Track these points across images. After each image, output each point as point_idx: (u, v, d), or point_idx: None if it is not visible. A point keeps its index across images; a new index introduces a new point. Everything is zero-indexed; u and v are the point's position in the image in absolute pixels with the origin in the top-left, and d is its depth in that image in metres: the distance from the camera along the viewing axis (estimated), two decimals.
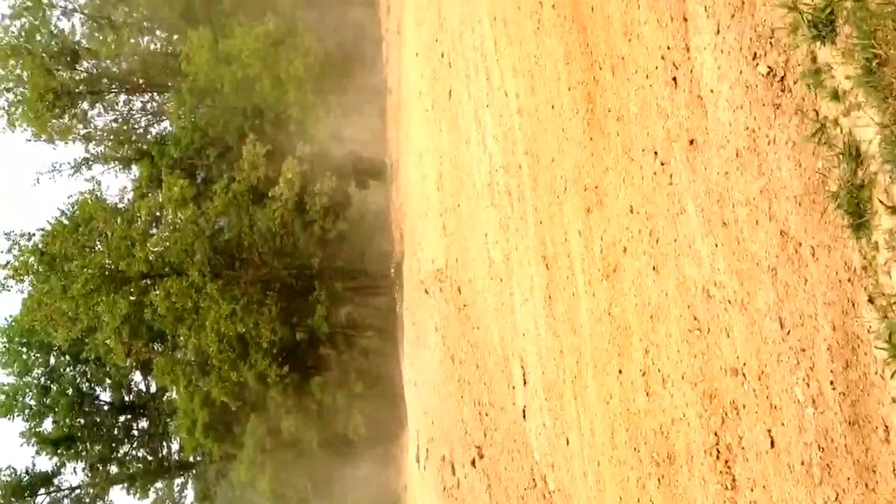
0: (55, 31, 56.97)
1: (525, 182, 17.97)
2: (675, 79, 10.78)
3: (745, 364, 9.31)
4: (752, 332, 9.10)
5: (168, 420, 60.46)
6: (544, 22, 16.37)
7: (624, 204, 12.59)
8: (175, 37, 58.90)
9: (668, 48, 10.93)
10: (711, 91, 9.83)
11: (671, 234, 11.03)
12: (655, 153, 11.40)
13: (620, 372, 12.90)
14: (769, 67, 8.65)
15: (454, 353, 26.38)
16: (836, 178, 7.54)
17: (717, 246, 9.82)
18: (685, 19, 10.47)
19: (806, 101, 8.04)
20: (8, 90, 55.28)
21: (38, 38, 55.83)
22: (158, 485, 62.15)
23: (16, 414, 56.87)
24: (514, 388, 19.53)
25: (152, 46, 61.30)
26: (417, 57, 33.84)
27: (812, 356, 8.06)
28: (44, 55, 54.63)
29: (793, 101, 8.27)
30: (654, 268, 11.61)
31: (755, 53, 8.88)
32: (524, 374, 18.55)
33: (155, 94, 61.54)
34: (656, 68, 11.30)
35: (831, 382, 7.78)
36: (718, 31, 9.60)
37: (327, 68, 48.31)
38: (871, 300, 7.26)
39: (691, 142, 10.36)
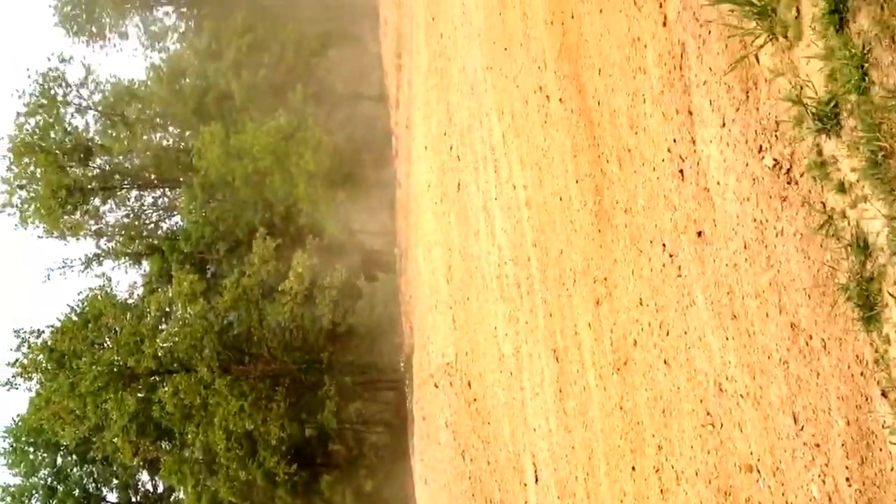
0: (69, 128, 57.90)
1: (534, 274, 17.94)
2: (681, 171, 10.81)
3: (759, 460, 9.11)
4: (766, 428, 8.93)
5: None
6: (551, 115, 16.54)
7: (633, 296, 12.52)
8: (187, 132, 59.82)
9: (675, 141, 10.99)
10: (718, 183, 9.84)
11: (681, 326, 10.93)
12: (664, 245, 11.37)
13: (633, 469, 12.65)
14: (775, 160, 8.66)
15: (465, 448, 26.01)
16: (845, 271, 7.47)
17: (727, 339, 9.70)
18: (690, 113, 10.54)
19: (812, 194, 8.02)
20: (21, 187, 55.97)
21: (53, 134, 56.73)
22: None
23: None
24: (525, 485, 19.17)
25: (165, 142, 62.23)
26: (426, 150, 34.20)
27: (827, 452, 7.88)
28: (57, 152, 55.45)
29: (799, 193, 8.25)
30: (665, 361, 11.47)
31: (761, 146, 8.90)
32: (536, 471, 18.23)
33: (166, 189, 62.23)
34: (663, 161, 11.34)
35: (847, 479, 7.58)
36: (724, 125, 9.66)
37: (337, 162, 48.83)
38: (884, 394, 7.12)
39: (699, 234, 10.34)
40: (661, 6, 11.33)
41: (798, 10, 8.00)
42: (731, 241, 9.54)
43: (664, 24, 11.24)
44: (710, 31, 10.00)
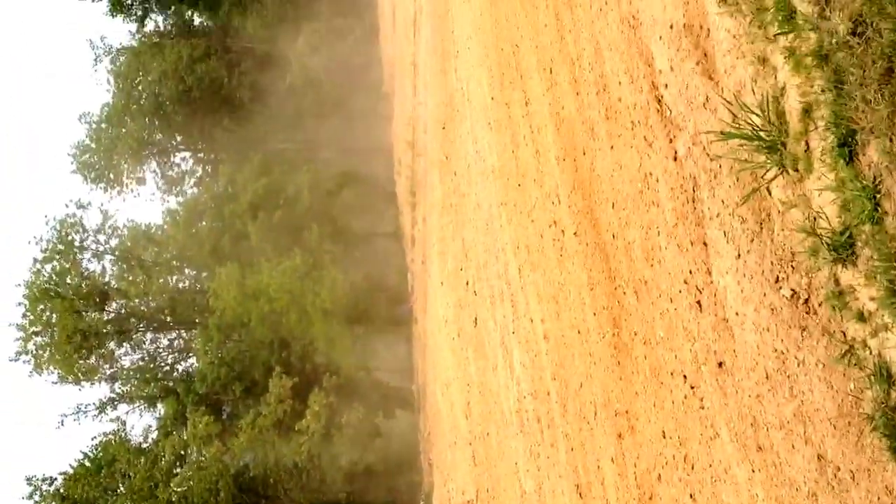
0: (85, 273, 58.55)
1: (554, 408, 17.79)
2: (699, 302, 10.86)
3: None
4: None
5: None
6: (566, 249, 16.72)
7: (656, 429, 12.39)
8: (203, 274, 60.42)
9: (691, 272, 11.08)
10: (737, 314, 9.87)
11: (706, 459, 10.78)
12: (685, 377, 11.33)
13: None
14: (793, 290, 8.71)
15: None
16: (869, 400, 7.42)
17: (754, 471, 9.56)
18: (705, 244, 10.67)
19: (832, 323, 8.04)
20: (36, 334, 56.23)
21: (69, 280, 57.34)
22: None
23: None
24: None
25: (181, 284, 62.79)
26: (442, 286, 34.39)
27: None
28: (73, 297, 55.92)
29: (819, 322, 8.27)
30: (691, 495, 11.27)
31: (777, 277, 8.97)
32: None
33: (182, 331, 62.45)
34: (680, 292, 11.41)
35: None
36: (739, 256, 9.76)
37: (353, 300, 49.13)
38: None
39: (720, 364, 10.31)
40: (671, 142, 11.60)
41: (807, 144, 8.18)
42: (753, 372, 9.51)
43: (675, 159, 11.49)
44: (720, 165, 10.21)
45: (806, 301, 8.52)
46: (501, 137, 22.45)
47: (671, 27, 11.36)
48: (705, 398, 10.74)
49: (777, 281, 9.00)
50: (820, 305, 8.27)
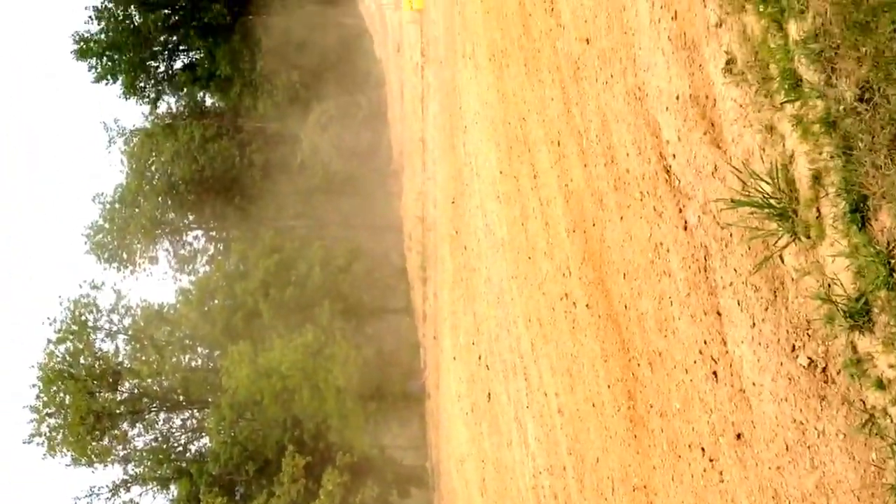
0: (98, 353, 58.51)
1: (571, 484, 17.48)
2: (715, 373, 10.71)
3: None
4: None
5: None
6: (579, 321, 16.60)
7: (675, 503, 12.13)
8: (216, 352, 60.30)
9: (705, 342, 10.95)
10: (753, 384, 9.71)
11: None
12: (703, 449, 11.12)
13: None
14: (809, 359, 8.56)
15: None
16: (892, 470, 7.24)
17: None
18: (719, 314, 10.55)
19: (851, 392, 7.89)
20: (50, 415, 56.03)
21: (82, 360, 57.29)
22: None
23: None
24: None
25: (193, 363, 62.63)
26: (455, 361, 34.18)
27: None
28: (86, 378, 55.82)
29: (838, 391, 8.12)
30: None
31: (794, 345, 8.84)
32: None
33: (195, 410, 62.10)
34: (695, 363, 11.26)
35: None
36: (754, 325, 9.63)
37: (366, 376, 48.87)
38: None
39: (738, 436, 10.12)
40: (680, 211, 11.56)
41: (819, 211, 8.12)
42: (772, 443, 9.31)
43: (685, 229, 11.44)
44: (731, 234, 10.14)
45: (823, 369, 8.37)
46: (511, 210, 22.48)
47: (677, 98, 11.40)
48: (725, 471, 10.51)
49: (793, 349, 8.86)
50: (838, 374, 8.13)
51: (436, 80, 40.33)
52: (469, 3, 28.78)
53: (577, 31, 15.86)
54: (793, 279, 8.79)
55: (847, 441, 7.97)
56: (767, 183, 8.75)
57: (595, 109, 15.00)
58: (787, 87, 8.40)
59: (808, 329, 8.63)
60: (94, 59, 68.65)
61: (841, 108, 7.53)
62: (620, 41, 13.58)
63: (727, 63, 9.88)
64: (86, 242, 66.67)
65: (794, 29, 8.28)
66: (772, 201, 8.70)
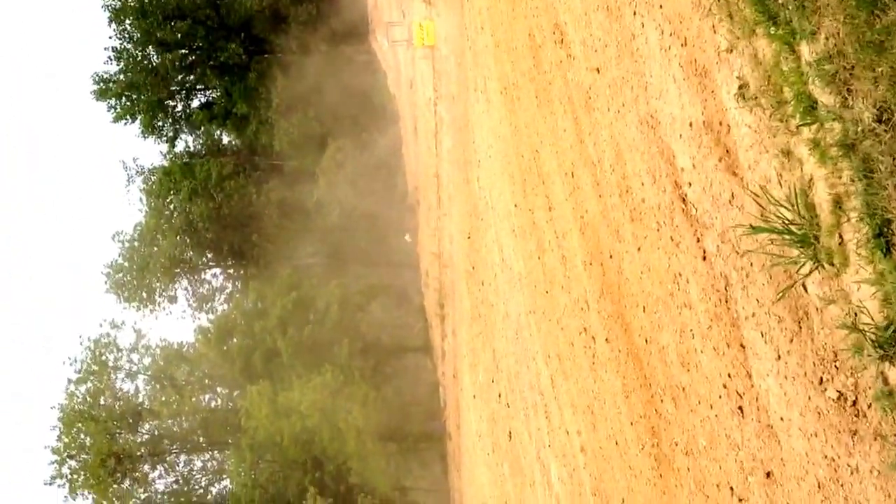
0: (118, 394, 58.44)
1: None
2: (741, 408, 10.31)
3: None
4: None
5: None
6: (599, 356, 16.23)
7: None
8: (235, 393, 60.11)
9: (730, 376, 10.56)
10: (781, 419, 9.32)
11: None
12: (731, 489, 10.69)
13: None
14: (839, 391, 8.19)
15: None
16: None
17: None
18: (742, 346, 10.18)
19: (884, 426, 7.52)
20: (71, 457, 55.91)
21: (102, 401, 57.22)
22: None
23: None
24: None
25: (213, 404, 62.43)
26: (475, 399, 33.77)
27: None
28: (107, 419, 55.73)
29: (870, 426, 7.74)
30: None
31: (821, 378, 8.47)
32: None
33: (215, 451, 61.77)
34: (720, 398, 10.87)
35: None
36: (779, 357, 9.26)
37: (386, 416, 48.46)
38: None
39: (768, 474, 9.71)
40: (698, 241, 11.24)
41: (841, 237, 7.82)
42: (804, 482, 8.91)
43: (704, 259, 11.11)
44: (751, 263, 9.81)
45: (854, 403, 8.00)
46: (527, 244, 22.19)
47: (691, 125, 11.12)
48: None
49: (821, 382, 8.50)
50: (869, 407, 7.76)
51: (448, 115, 40.29)
52: (479, 37, 28.70)
53: (588, 61, 15.65)
54: (817, 308, 8.46)
55: (881, 478, 7.60)
56: (787, 208, 8.45)
57: (608, 139, 14.74)
58: (802, 110, 8.17)
59: (835, 360, 8.27)
60: (114, 99, 69.55)
61: (859, 129, 7.31)
62: (631, 69, 13.35)
63: (740, 88, 9.65)
64: (105, 281, 66.92)
65: (806, 51, 8.06)
66: (792, 227, 8.41)
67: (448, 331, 44.65)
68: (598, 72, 15.05)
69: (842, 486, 8.24)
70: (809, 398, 8.71)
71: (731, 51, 9.81)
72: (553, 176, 18.91)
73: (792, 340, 9.00)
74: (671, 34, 11.63)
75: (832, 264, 8.01)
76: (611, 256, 15.13)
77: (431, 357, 54.57)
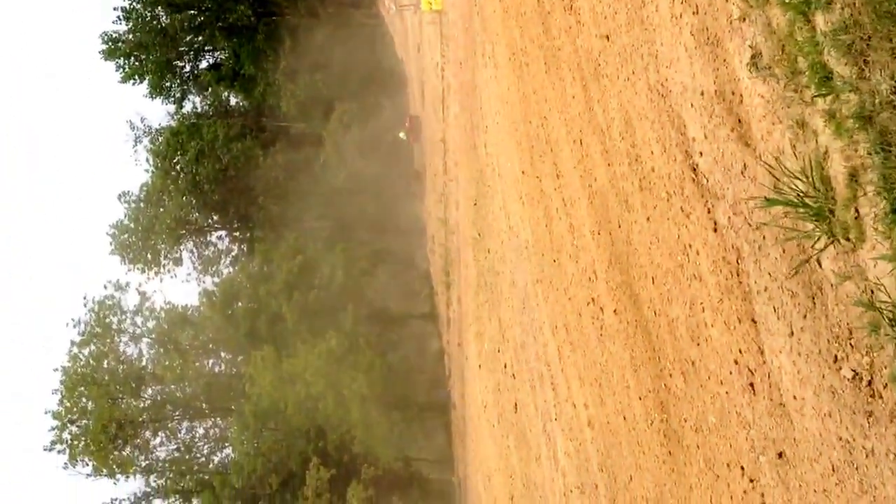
0: (122, 357, 58.47)
1: None
2: (752, 385, 10.06)
3: None
4: None
5: None
6: (607, 328, 15.98)
7: None
8: (239, 357, 60.19)
9: (741, 352, 10.30)
10: (794, 397, 9.07)
11: None
12: (742, 468, 10.46)
13: None
14: (854, 371, 7.93)
15: None
16: None
17: None
18: (754, 321, 9.91)
19: None
20: (72, 422, 55.97)
21: (106, 364, 57.24)
22: None
23: None
24: None
25: (217, 369, 62.51)
26: (480, 369, 33.63)
27: None
28: (109, 383, 55.74)
29: (886, 407, 7.49)
30: None
31: (836, 356, 8.20)
32: None
33: (218, 418, 61.88)
34: (730, 374, 10.61)
35: None
36: (792, 334, 8.99)
37: (390, 384, 48.41)
38: None
39: (780, 454, 9.46)
40: (709, 212, 10.94)
41: (857, 211, 7.56)
42: (817, 463, 8.66)
43: (715, 230, 10.82)
44: (764, 236, 9.52)
45: (869, 383, 7.75)
46: (534, 212, 21.90)
47: (702, 94, 10.80)
48: (766, 493, 9.86)
49: (836, 361, 8.23)
50: (885, 387, 7.51)
51: (456, 81, 39.89)
52: (487, 2, 28.27)
53: (597, 27, 15.29)
54: (832, 285, 8.18)
55: None
56: (801, 181, 8.17)
57: (617, 107, 14.41)
58: (817, 81, 7.90)
59: (850, 338, 8.01)
60: (122, 59, 69.42)
61: (876, 101, 7.04)
62: (641, 37, 13.00)
63: (752, 58, 9.36)
64: (111, 242, 66.81)
65: (821, 21, 7.78)
66: (807, 200, 8.12)
67: (454, 298, 44.48)
68: (608, 39, 14.69)
69: (857, 469, 7.99)
70: (823, 377, 8.46)
71: (744, 19, 9.51)
72: (561, 143, 18.59)
73: (805, 316, 8.74)
74: (682, 2, 11.31)
75: (848, 239, 7.76)
76: (619, 226, 14.84)
77: (437, 325, 54.48)
